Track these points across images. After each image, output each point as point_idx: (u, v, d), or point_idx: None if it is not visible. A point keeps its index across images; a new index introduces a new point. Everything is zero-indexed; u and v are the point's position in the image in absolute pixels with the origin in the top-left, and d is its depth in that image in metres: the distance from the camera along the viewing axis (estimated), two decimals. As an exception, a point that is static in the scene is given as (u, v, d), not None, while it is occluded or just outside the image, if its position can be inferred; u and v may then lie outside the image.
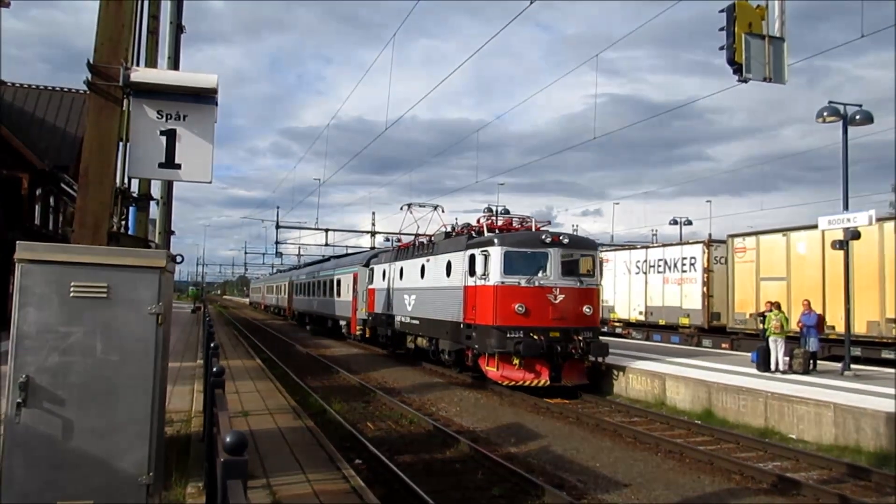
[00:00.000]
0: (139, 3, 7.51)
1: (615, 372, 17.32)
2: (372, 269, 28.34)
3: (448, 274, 19.31)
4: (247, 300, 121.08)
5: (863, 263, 19.32)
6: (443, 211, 24.92)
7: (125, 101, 6.63)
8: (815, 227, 18.05)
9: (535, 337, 16.05)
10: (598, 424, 13.19)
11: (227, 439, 3.26)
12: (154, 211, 11.22)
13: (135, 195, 9.06)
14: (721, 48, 9.83)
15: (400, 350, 25.15)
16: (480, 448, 10.92)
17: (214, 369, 6.61)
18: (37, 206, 19.89)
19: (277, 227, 48.96)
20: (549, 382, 16.25)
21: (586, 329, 16.81)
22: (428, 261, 21.29)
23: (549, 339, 16.13)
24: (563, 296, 16.71)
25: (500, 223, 19.59)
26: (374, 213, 48.10)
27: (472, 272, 17.58)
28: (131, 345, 5.33)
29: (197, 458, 8.15)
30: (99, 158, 6.31)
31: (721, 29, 9.85)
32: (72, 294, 5.21)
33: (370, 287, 28.26)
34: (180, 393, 13.27)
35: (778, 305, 17.34)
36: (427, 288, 21.13)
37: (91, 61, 6.34)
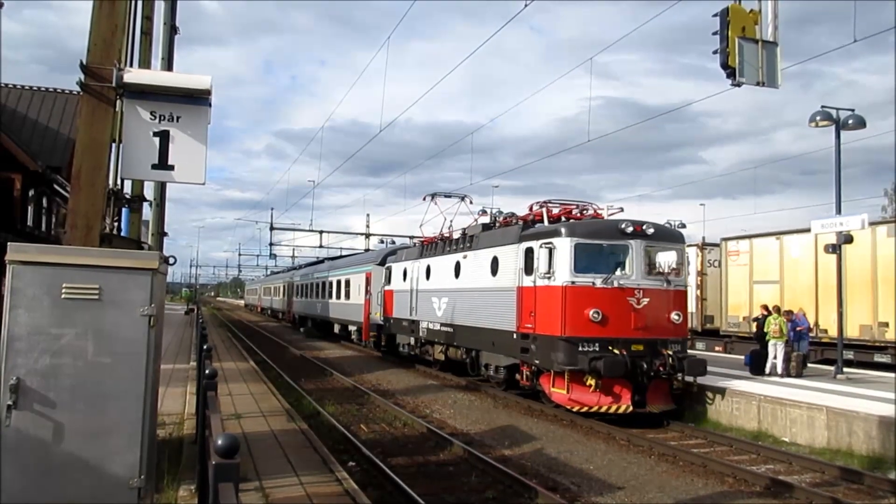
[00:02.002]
0: (132, 4, 7.49)
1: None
2: (389, 269, 25.21)
3: (494, 272, 16.27)
4: (241, 302, 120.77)
5: (855, 267, 19.40)
6: (471, 202, 21.84)
7: (118, 103, 6.61)
8: (809, 230, 18.13)
9: (617, 351, 13.04)
10: (592, 427, 13.19)
11: (219, 442, 3.25)
12: (147, 212, 11.18)
13: (128, 196, 9.03)
14: (714, 52, 9.85)
15: (424, 362, 22.31)
16: (474, 450, 10.90)
17: (207, 371, 6.59)
18: (29, 208, 19.80)
19: (272, 228, 48.94)
20: (631, 408, 13.08)
21: (674, 341, 13.88)
22: (465, 257, 18.20)
23: (631, 354, 13.15)
24: (648, 299, 13.66)
25: (555, 211, 16.07)
26: (368, 215, 48.09)
27: (528, 270, 14.56)
28: (123, 347, 5.31)
29: (189, 461, 8.12)
30: (91, 160, 6.29)
31: (714, 33, 9.87)
32: (63, 296, 5.18)
33: (387, 288, 25.14)
34: (173, 395, 13.22)
35: (777, 309, 17.38)
36: (464, 289, 18.10)
37: (84, 62, 6.32)
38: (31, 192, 19.66)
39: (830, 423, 11.54)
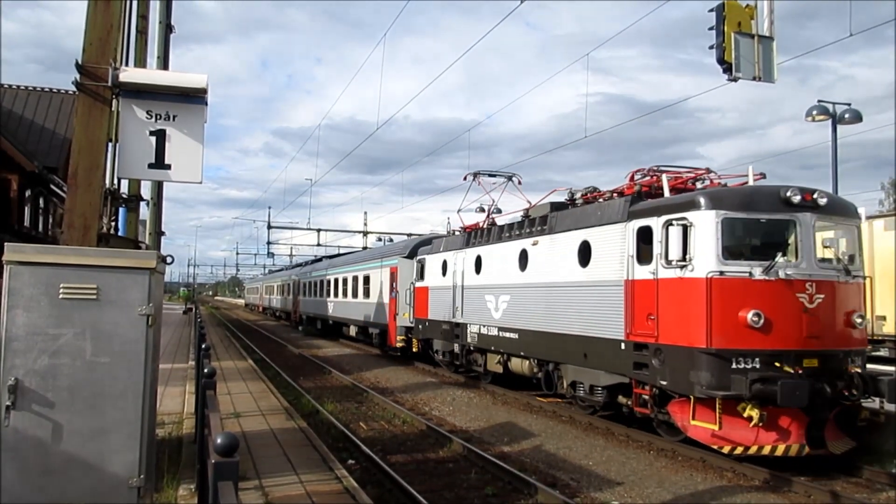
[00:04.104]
0: (128, 2, 7.47)
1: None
2: (422, 262, 21.44)
3: (584, 262, 12.69)
4: (239, 301, 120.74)
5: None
6: (519, 182, 18.57)
7: (114, 102, 6.61)
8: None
9: (789, 369, 9.59)
10: (591, 423, 13.21)
11: (218, 441, 3.25)
12: (144, 212, 11.18)
13: (124, 196, 9.02)
14: (711, 47, 9.88)
15: (473, 373, 18.78)
16: (473, 447, 10.91)
17: (206, 370, 6.60)
18: (26, 208, 19.77)
19: (269, 227, 48.94)
20: (807, 448, 9.62)
21: (857, 352, 10.47)
22: (535, 244, 14.58)
23: (805, 372, 9.71)
24: (822, 296, 10.01)
25: (664, 181, 11.96)
26: (365, 213, 48.13)
27: (643, 257, 11.10)
28: (121, 346, 5.31)
29: (189, 460, 8.12)
30: (88, 159, 6.28)
31: (711, 28, 9.90)
32: (61, 296, 5.18)
33: (419, 285, 21.55)
34: (172, 394, 13.23)
35: None
36: (535, 285, 14.54)
37: (80, 61, 6.31)
38: (27, 193, 19.64)
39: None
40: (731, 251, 10.11)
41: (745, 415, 9.60)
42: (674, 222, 10.47)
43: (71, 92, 21.29)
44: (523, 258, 15.06)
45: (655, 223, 10.87)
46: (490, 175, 18.96)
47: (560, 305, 13.51)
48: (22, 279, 5.13)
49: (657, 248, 10.75)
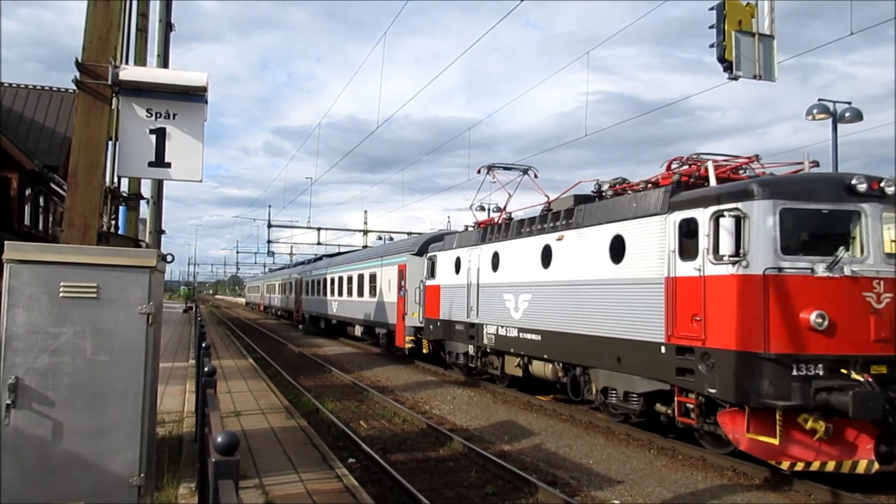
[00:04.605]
0: (128, 1, 7.47)
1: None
2: (433, 259, 20.64)
3: (616, 258, 11.77)
4: (239, 300, 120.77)
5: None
6: (535, 176, 17.69)
7: (114, 100, 6.61)
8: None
9: (858, 376, 8.76)
10: (591, 422, 13.21)
11: (219, 439, 3.25)
12: (144, 210, 11.17)
13: (125, 194, 9.02)
14: (711, 46, 9.87)
15: (489, 376, 17.92)
16: (474, 446, 10.92)
17: (206, 369, 6.60)
18: (26, 207, 19.77)
19: (269, 226, 48.96)
20: (876, 465, 8.91)
21: None
22: (559, 239, 13.64)
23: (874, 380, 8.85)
24: (890, 295, 9.23)
25: (709, 169, 11.01)
26: (366, 212, 48.16)
27: (687, 252, 10.21)
28: (122, 345, 5.31)
29: (189, 459, 8.13)
30: (88, 158, 6.28)
31: (711, 27, 9.89)
32: (61, 294, 5.18)
33: (430, 283, 20.75)
34: (172, 393, 13.24)
35: None
36: (560, 283, 13.58)
37: (80, 60, 6.31)
38: (27, 191, 19.64)
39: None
40: (789, 245, 9.25)
41: (808, 427, 8.80)
42: (725, 213, 9.50)
43: (71, 90, 21.29)
44: (546, 254, 14.14)
45: (702, 215, 9.97)
46: (505, 168, 18.05)
47: (589, 305, 12.56)
48: (22, 278, 5.12)
49: (704, 242, 9.86)
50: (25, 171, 17.59)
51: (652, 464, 10.38)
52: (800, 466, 8.87)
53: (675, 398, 10.45)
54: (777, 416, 8.87)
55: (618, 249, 11.79)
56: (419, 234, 33.68)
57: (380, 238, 47.07)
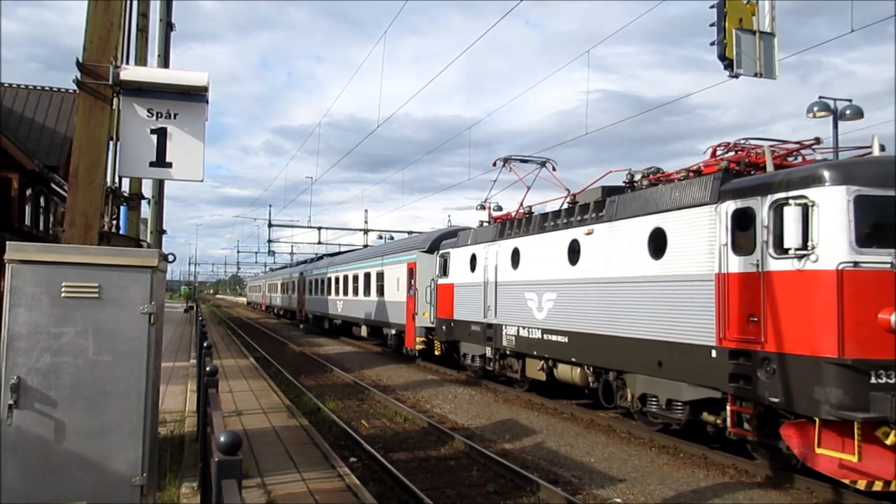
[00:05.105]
0: (128, 1, 7.46)
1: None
2: (446, 256, 19.78)
3: (658, 253, 10.86)
4: (240, 299, 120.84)
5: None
6: (553, 168, 16.88)
7: (115, 100, 6.61)
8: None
9: None
10: (593, 420, 13.21)
11: (221, 439, 3.26)
12: (145, 210, 11.17)
13: (126, 194, 9.02)
14: (712, 44, 9.86)
15: (505, 381, 17.07)
16: (475, 445, 10.92)
17: (207, 369, 6.61)
18: (27, 207, 19.78)
19: (270, 225, 48.96)
20: None
21: None
22: (589, 233, 12.74)
23: None
24: None
25: (766, 153, 10.16)
26: (366, 211, 48.13)
27: (739, 246, 9.38)
28: (123, 345, 5.31)
29: (191, 459, 8.14)
30: (89, 158, 6.28)
31: (712, 24, 9.88)
32: (63, 294, 5.18)
33: (442, 282, 19.90)
34: (173, 393, 13.25)
35: None
36: (591, 280, 12.69)
37: (80, 60, 6.31)
38: (28, 192, 19.64)
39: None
40: (866, 237, 8.23)
41: (889, 442, 7.85)
42: (789, 202, 8.60)
43: (71, 91, 21.30)
44: (574, 250, 13.21)
45: (759, 204, 9.04)
46: (522, 160, 17.10)
47: (625, 304, 11.61)
48: (24, 278, 5.13)
49: (762, 234, 8.94)
50: (26, 171, 17.59)
51: (653, 462, 10.38)
52: (878, 486, 7.97)
53: (728, 407, 9.50)
54: (855, 430, 7.93)
55: (658, 243, 10.90)
56: (420, 232, 33.65)
57: (380, 237, 47.06)
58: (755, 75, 9.93)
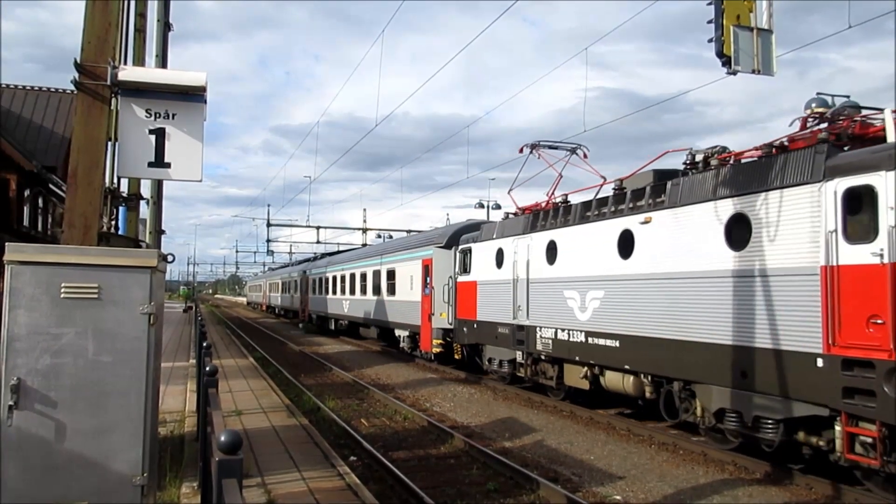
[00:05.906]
0: (126, 1, 7.46)
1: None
2: (467, 252, 18.24)
3: (740, 243, 9.47)
4: (239, 299, 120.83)
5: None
6: (584, 156, 15.57)
7: (113, 101, 6.61)
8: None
9: None
10: (592, 418, 13.23)
11: (222, 438, 3.26)
12: (144, 210, 11.18)
13: (124, 195, 9.03)
14: (710, 41, 9.86)
15: (536, 388, 15.65)
16: (475, 443, 10.94)
17: (207, 368, 6.61)
18: (25, 208, 19.76)
19: (269, 225, 48.92)
20: None
21: None
22: (644, 222, 11.28)
23: None
24: None
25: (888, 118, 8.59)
26: (365, 210, 48.18)
27: (853, 233, 7.95)
28: (123, 345, 5.32)
29: (191, 458, 8.15)
30: (87, 158, 6.28)
31: (709, 21, 9.88)
32: (62, 295, 5.18)
33: (463, 279, 18.40)
34: (173, 393, 13.26)
35: None
36: (648, 276, 11.17)
37: (78, 60, 6.30)
38: (27, 193, 19.63)
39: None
40: None
41: None
42: None
43: (69, 91, 21.28)
44: (626, 241, 11.73)
45: (883, 180, 7.52)
46: (551, 147, 15.77)
47: (695, 303, 10.15)
48: (23, 279, 5.13)
49: (889, 218, 7.43)
50: (24, 172, 17.58)
51: (653, 459, 10.40)
52: None
53: (842, 428, 7.91)
54: None
55: (740, 231, 9.46)
56: (419, 231, 33.62)
57: (379, 236, 47.05)
58: (753, 72, 9.92)
